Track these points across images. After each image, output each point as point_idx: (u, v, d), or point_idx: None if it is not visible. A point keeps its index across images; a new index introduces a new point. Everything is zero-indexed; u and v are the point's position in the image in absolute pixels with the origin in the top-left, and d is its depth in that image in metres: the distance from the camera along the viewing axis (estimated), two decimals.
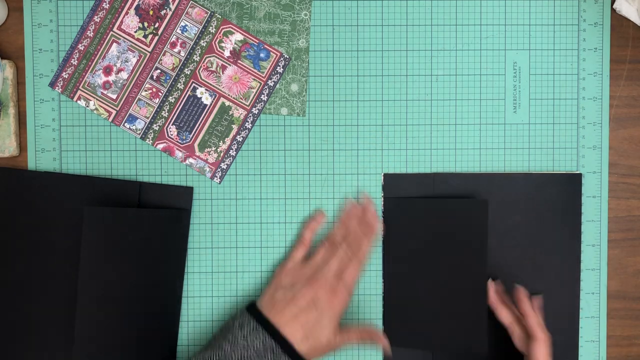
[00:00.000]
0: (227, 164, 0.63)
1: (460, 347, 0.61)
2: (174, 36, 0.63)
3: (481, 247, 0.60)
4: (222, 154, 0.63)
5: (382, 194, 0.64)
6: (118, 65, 0.63)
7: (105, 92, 0.63)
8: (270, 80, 0.63)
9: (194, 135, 0.63)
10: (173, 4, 0.63)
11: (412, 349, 0.63)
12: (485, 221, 0.60)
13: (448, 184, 0.63)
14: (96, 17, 0.63)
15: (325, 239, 0.62)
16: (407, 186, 0.63)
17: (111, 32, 0.63)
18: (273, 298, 0.58)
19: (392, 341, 0.62)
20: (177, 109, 0.63)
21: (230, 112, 0.63)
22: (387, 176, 0.64)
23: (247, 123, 0.63)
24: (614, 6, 0.62)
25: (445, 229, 0.61)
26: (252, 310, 0.58)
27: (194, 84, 0.63)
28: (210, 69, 0.63)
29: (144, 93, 0.63)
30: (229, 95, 0.63)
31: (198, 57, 0.63)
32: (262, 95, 0.63)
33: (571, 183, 0.63)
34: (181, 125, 0.63)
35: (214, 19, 0.63)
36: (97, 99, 0.63)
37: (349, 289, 0.59)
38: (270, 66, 0.63)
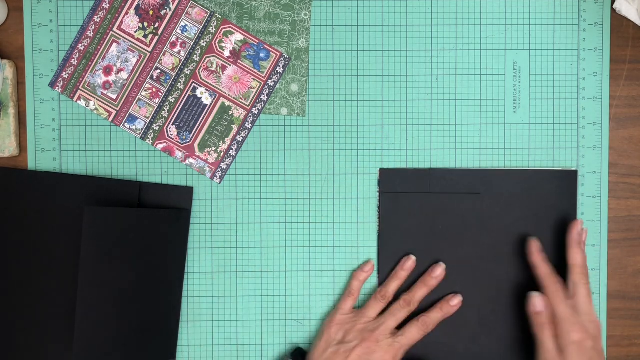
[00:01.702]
0: (227, 164, 0.63)
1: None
2: (174, 36, 0.63)
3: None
4: (222, 154, 0.63)
5: (378, 189, 0.64)
6: (118, 65, 0.63)
7: (105, 92, 0.63)
8: (270, 80, 0.63)
9: (194, 135, 0.63)
10: (173, 4, 0.63)
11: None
12: (484, 215, 0.59)
13: (445, 179, 0.63)
14: (96, 17, 0.63)
15: (378, 292, 0.61)
16: (403, 182, 0.63)
17: (111, 32, 0.63)
18: (324, 354, 0.58)
19: None
20: (177, 109, 0.63)
21: (230, 112, 0.63)
22: (383, 172, 0.64)
23: (247, 123, 0.63)
24: (614, 6, 0.62)
25: (442, 222, 0.62)
26: None
27: (194, 84, 0.63)
28: (210, 69, 0.63)
29: (144, 93, 0.63)
30: (229, 95, 0.63)
31: (198, 57, 0.63)
32: (262, 95, 0.63)
33: (567, 180, 0.63)
34: (181, 125, 0.63)
35: (214, 19, 0.63)
36: (97, 99, 0.63)
37: (405, 349, 0.59)
38: (270, 66, 0.63)
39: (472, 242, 0.63)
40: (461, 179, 0.63)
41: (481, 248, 0.63)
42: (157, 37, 0.63)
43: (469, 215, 0.62)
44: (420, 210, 0.63)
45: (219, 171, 0.63)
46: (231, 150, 0.63)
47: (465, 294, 0.62)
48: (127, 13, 0.63)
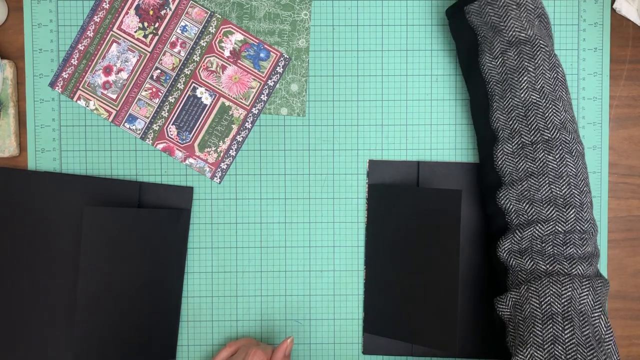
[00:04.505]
0: (227, 164, 0.63)
1: (432, 344, 0.58)
2: (174, 36, 0.63)
3: (454, 239, 0.57)
4: (222, 154, 0.63)
5: (367, 181, 0.64)
6: (118, 65, 0.63)
7: (105, 92, 0.63)
8: (270, 80, 0.63)
9: (194, 135, 0.63)
10: (173, 3, 0.63)
11: (389, 338, 0.63)
12: (458, 212, 0.57)
13: (433, 172, 0.63)
14: (96, 17, 0.63)
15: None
16: (392, 174, 0.63)
17: (111, 32, 0.63)
18: None
19: (371, 329, 0.62)
20: (177, 109, 0.63)
21: (230, 112, 0.63)
22: (372, 163, 0.64)
23: (247, 123, 0.63)
24: (614, 6, 0.62)
25: (420, 218, 0.60)
26: None
27: (194, 84, 0.63)
28: (210, 69, 0.63)
29: (144, 93, 0.63)
30: (229, 95, 0.63)
31: (198, 57, 0.63)
32: (262, 95, 0.63)
33: None
34: (181, 125, 0.63)
35: (214, 18, 0.63)
36: (97, 99, 0.63)
37: None
38: (270, 66, 0.63)
39: (449, 239, 0.61)
40: (449, 172, 0.63)
41: (462, 244, 0.63)
42: (157, 37, 0.63)
43: (447, 210, 0.60)
44: (406, 203, 0.62)
45: (219, 171, 0.63)
46: (231, 150, 0.63)
47: (429, 288, 0.62)
48: (127, 13, 0.63)
